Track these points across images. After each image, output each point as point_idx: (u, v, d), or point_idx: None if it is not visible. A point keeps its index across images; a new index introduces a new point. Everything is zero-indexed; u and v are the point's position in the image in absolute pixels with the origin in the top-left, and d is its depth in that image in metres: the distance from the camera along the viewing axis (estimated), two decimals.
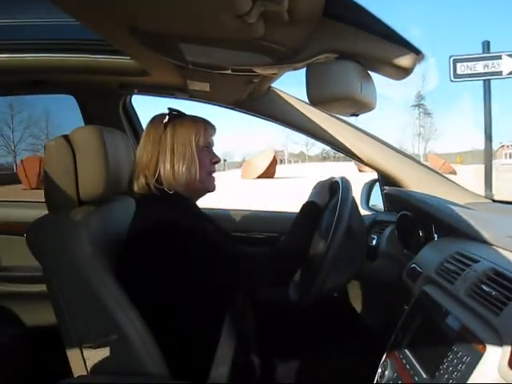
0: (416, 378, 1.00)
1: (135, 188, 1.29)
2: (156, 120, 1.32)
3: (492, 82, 7.85)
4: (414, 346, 1.10)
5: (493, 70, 7.73)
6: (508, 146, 58.78)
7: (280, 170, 28.21)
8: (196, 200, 1.39)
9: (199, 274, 1.17)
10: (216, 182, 1.38)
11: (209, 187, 1.36)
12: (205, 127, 1.33)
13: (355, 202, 1.38)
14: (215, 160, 1.36)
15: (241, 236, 1.99)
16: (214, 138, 1.39)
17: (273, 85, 1.78)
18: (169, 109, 1.34)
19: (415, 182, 1.76)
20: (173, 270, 1.16)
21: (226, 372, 1.20)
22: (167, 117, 1.31)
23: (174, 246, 1.15)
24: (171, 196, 1.27)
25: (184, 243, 1.15)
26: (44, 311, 1.24)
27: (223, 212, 2.16)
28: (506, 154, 56.98)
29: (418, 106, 57.05)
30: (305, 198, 1.44)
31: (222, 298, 1.22)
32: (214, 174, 1.37)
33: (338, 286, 1.29)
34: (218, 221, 1.52)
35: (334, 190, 1.46)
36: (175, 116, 1.32)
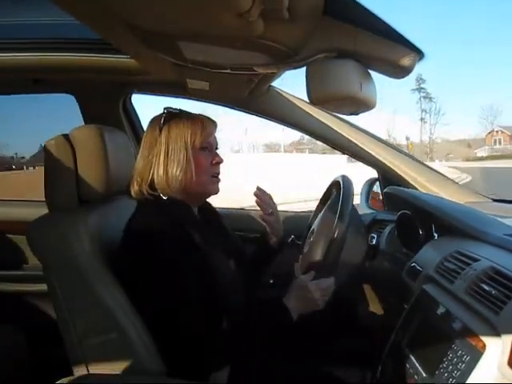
0: (416, 377, 1.00)
1: (132, 193, 1.27)
2: (153, 122, 1.29)
3: None
4: (414, 345, 1.10)
5: None
6: (497, 132, 58.09)
7: None
8: (197, 203, 1.36)
9: (174, 287, 1.15)
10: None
11: (210, 190, 1.31)
12: (203, 126, 1.27)
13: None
14: (216, 161, 1.31)
15: (239, 235, 1.98)
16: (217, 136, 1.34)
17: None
18: (165, 109, 1.29)
19: (415, 181, 1.76)
20: (155, 279, 1.15)
21: (226, 371, 1.20)
22: (163, 117, 1.26)
23: (158, 257, 1.14)
24: (165, 203, 1.24)
25: (166, 256, 1.14)
26: (44, 310, 1.25)
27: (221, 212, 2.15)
28: (494, 140, 56.61)
29: (419, 89, 56.36)
30: None
31: (226, 298, 1.22)
32: (218, 176, 1.32)
33: (338, 285, 1.29)
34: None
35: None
36: (171, 116, 1.27)
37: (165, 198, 1.24)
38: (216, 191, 1.32)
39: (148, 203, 1.24)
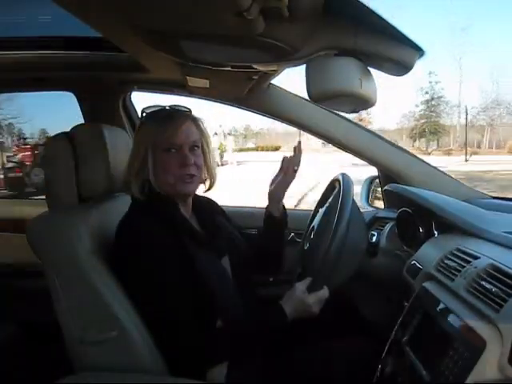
0: (416, 375, 1.01)
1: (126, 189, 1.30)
2: (139, 122, 1.31)
3: None
4: (414, 343, 1.10)
5: None
6: None
7: None
8: (182, 200, 1.31)
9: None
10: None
11: (180, 191, 1.26)
12: (167, 126, 1.22)
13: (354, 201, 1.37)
14: (184, 163, 1.23)
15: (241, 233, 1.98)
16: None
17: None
18: (143, 108, 1.28)
19: (415, 179, 1.76)
20: (143, 278, 1.17)
21: (224, 369, 1.20)
22: (140, 117, 1.28)
23: (143, 257, 1.16)
24: (153, 201, 1.24)
25: (151, 256, 1.16)
26: (44, 308, 1.25)
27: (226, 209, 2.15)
28: None
29: None
30: None
31: (215, 297, 1.22)
32: (189, 176, 1.25)
33: (338, 283, 1.29)
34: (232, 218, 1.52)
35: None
36: (147, 115, 1.27)
37: (153, 194, 1.24)
38: (188, 191, 1.28)
39: (137, 201, 1.25)
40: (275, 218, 1.49)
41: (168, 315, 1.16)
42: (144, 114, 1.28)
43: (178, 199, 1.29)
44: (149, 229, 1.18)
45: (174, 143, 1.23)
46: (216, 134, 23.44)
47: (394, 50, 0.97)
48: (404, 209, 1.52)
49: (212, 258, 1.29)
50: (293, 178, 1.47)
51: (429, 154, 32.08)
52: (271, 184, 1.49)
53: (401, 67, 1.01)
